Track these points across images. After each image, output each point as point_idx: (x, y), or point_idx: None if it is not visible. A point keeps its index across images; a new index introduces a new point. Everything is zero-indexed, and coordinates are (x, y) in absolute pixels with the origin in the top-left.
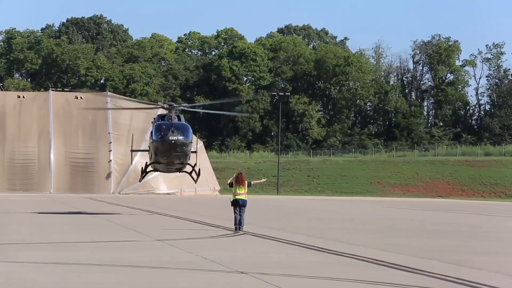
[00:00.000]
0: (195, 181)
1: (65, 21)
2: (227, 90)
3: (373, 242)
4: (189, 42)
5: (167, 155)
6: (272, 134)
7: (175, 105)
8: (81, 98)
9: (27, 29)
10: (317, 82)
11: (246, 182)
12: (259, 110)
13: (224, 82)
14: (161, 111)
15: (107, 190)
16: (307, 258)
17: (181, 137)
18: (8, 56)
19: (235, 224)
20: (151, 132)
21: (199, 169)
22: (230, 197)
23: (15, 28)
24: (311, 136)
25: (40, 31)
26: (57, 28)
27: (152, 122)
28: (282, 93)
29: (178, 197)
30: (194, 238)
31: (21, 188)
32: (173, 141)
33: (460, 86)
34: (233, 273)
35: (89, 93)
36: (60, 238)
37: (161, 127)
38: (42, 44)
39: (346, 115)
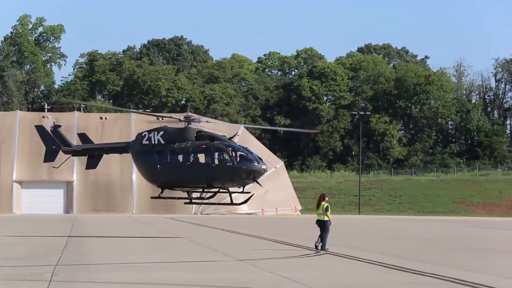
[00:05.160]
0: (232, 203)
1: (146, 43)
2: (307, 109)
3: (455, 262)
4: (269, 62)
5: (243, 183)
6: (353, 153)
7: (194, 117)
8: (162, 119)
9: (109, 51)
10: (397, 101)
11: (325, 205)
12: (339, 130)
13: (304, 102)
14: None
15: (188, 210)
16: (389, 277)
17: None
18: (90, 78)
19: (316, 242)
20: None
21: (250, 196)
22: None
23: (97, 50)
24: (392, 155)
25: (121, 53)
26: (138, 50)
27: (145, 134)
28: (363, 112)
29: (259, 217)
30: (275, 258)
31: (104, 209)
32: (263, 171)
33: None
34: None
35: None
36: (142, 258)
37: (239, 152)
38: (124, 65)
39: (428, 134)
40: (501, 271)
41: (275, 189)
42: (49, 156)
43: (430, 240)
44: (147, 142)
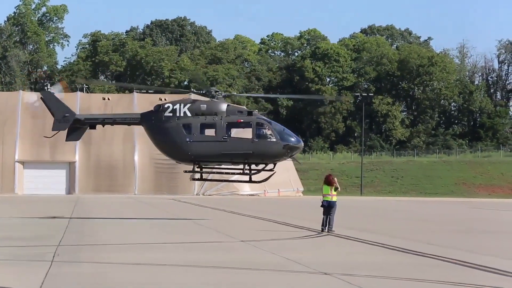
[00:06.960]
0: (251, 181)
1: (149, 24)
2: (310, 91)
3: (459, 243)
4: (272, 43)
5: (280, 160)
6: (356, 134)
7: (217, 90)
8: (165, 99)
9: (112, 32)
10: (400, 83)
11: (335, 185)
12: (342, 111)
13: (307, 83)
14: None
15: (190, 191)
16: (391, 259)
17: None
18: (93, 59)
19: (322, 225)
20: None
21: (272, 174)
22: (321, 198)
23: (100, 31)
24: (395, 137)
25: (124, 34)
26: (141, 31)
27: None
28: (365, 94)
29: (261, 198)
30: (277, 239)
31: (106, 189)
32: (302, 147)
33: None
34: (317, 274)
35: (172, 94)
36: (147, 239)
37: (279, 128)
38: (127, 46)
39: (430, 115)
40: (507, 253)
41: (277, 170)
42: (60, 124)
43: (433, 222)
44: (170, 115)
